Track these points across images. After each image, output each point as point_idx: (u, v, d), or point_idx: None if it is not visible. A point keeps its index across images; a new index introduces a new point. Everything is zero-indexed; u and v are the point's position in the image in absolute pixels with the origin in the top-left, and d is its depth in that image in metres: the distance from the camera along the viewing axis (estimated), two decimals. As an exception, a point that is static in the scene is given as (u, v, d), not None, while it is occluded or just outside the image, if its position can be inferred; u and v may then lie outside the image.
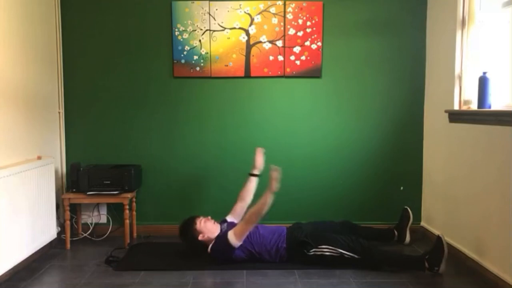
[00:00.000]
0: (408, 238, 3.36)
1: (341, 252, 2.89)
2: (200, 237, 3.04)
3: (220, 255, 2.98)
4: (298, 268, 2.92)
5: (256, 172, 3.30)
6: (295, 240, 2.98)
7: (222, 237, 2.97)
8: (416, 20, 3.65)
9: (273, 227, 3.11)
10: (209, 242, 3.02)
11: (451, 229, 3.25)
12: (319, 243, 2.93)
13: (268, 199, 2.86)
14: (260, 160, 3.31)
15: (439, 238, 2.86)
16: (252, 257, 2.98)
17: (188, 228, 3.07)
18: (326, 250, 2.91)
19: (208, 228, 3.06)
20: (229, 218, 3.25)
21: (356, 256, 2.88)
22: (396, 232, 3.38)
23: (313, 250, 2.93)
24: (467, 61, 3.12)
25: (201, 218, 3.11)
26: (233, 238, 2.91)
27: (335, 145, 3.71)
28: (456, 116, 3.17)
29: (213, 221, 3.13)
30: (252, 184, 3.29)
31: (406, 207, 3.39)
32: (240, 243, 2.93)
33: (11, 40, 2.94)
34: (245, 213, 3.07)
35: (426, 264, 2.84)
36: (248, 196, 3.26)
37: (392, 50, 3.66)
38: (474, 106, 3.09)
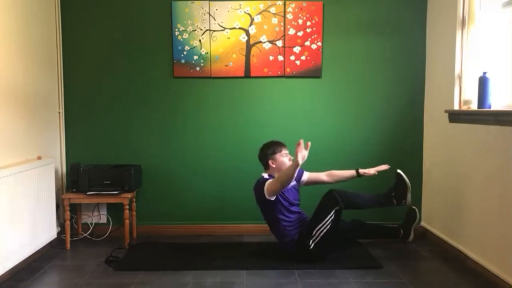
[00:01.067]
0: (412, 236, 3.40)
1: (328, 219, 2.92)
2: (270, 162, 3.10)
3: (256, 193, 3.05)
4: (298, 268, 2.92)
5: (360, 171, 3.26)
6: (301, 235, 3.01)
7: (263, 180, 3.02)
8: (416, 20, 3.66)
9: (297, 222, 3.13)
10: (269, 171, 3.11)
11: (451, 229, 3.25)
12: (311, 231, 2.95)
13: (293, 171, 2.82)
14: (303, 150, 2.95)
15: (398, 174, 3.13)
16: (275, 224, 3.03)
17: (270, 147, 3.12)
18: (319, 230, 2.93)
19: (282, 162, 3.09)
20: (309, 173, 3.27)
21: (336, 207, 2.93)
22: (402, 231, 3.39)
23: (312, 241, 2.94)
24: (467, 61, 3.12)
25: (287, 151, 3.13)
26: (266, 187, 2.96)
27: (335, 144, 3.71)
28: (456, 116, 3.17)
29: (290, 162, 3.11)
30: (347, 175, 3.30)
31: (414, 207, 3.41)
32: (270, 198, 2.96)
33: (11, 40, 2.95)
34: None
35: (394, 201, 3.09)
36: (333, 179, 3.30)
37: (392, 50, 3.66)
38: (474, 106, 3.09)
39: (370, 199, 3.16)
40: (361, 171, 3.21)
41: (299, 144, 2.82)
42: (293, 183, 3.13)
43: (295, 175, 2.90)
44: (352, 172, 3.26)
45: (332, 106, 3.69)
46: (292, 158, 3.04)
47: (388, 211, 3.66)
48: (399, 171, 3.17)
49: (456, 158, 3.18)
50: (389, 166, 3.24)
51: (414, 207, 3.41)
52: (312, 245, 2.94)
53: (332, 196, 2.96)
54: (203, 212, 3.74)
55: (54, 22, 3.54)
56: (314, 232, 2.94)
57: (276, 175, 3.08)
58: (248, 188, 3.19)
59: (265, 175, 3.11)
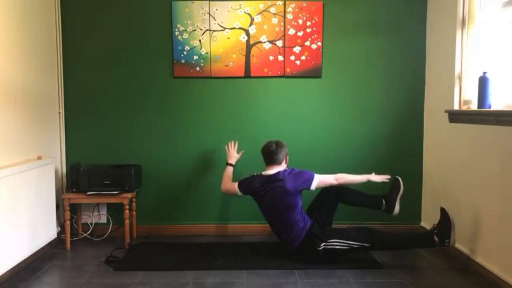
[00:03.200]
0: (397, 209, 3.21)
1: (351, 244, 2.93)
2: (286, 159, 3.23)
3: (296, 185, 3.06)
4: (298, 268, 2.93)
5: (231, 162, 3.45)
6: (309, 232, 3.00)
7: (308, 173, 3.12)
8: (416, 20, 3.66)
9: (305, 217, 3.13)
10: (282, 166, 3.19)
11: (451, 229, 3.25)
12: (328, 238, 2.95)
13: (363, 180, 3.18)
14: (232, 151, 3.48)
15: (443, 210, 2.91)
16: (293, 221, 3.04)
17: (286, 147, 3.23)
18: (336, 244, 2.94)
19: (286, 161, 3.26)
20: (319, 179, 3.20)
21: (366, 244, 2.93)
22: (384, 202, 3.24)
23: (323, 244, 2.94)
24: (467, 61, 3.12)
25: None
26: (317, 180, 3.09)
27: (335, 144, 3.71)
28: (456, 116, 3.17)
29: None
30: (229, 172, 3.42)
31: (397, 176, 3.26)
32: (314, 188, 3.10)
33: (11, 40, 2.95)
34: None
35: (436, 239, 2.88)
36: (343, 183, 3.26)
37: (392, 50, 3.66)
38: (474, 106, 3.09)
39: (406, 240, 3.05)
40: (373, 178, 3.20)
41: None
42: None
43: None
44: (363, 178, 3.21)
45: (332, 106, 3.69)
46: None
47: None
48: (443, 206, 2.97)
49: (456, 158, 3.18)
50: (389, 176, 3.24)
51: (397, 177, 3.24)
52: (321, 248, 2.95)
53: (371, 235, 2.94)
54: (203, 212, 3.74)
55: (54, 23, 3.54)
56: (331, 240, 2.95)
57: (283, 165, 3.21)
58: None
59: (277, 169, 3.16)
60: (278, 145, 3.20)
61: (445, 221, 2.88)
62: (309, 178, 3.10)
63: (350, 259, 3.06)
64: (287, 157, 3.25)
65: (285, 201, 3.04)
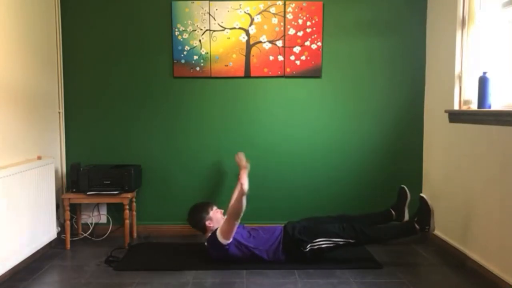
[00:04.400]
0: (406, 217, 3.26)
1: (336, 241, 2.94)
2: (207, 223, 3.11)
3: (215, 252, 2.99)
4: (298, 268, 2.92)
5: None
6: (290, 239, 2.99)
7: (213, 235, 2.99)
8: (416, 20, 3.66)
9: (271, 227, 3.11)
10: (209, 232, 3.09)
11: (451, 229, 3.25)
12: (313, 238, 2.95)
13: (241, 202, 2.84)
14: (242, 163, 3.32)
15: (422, 198, 2.98)
16: (250, 255, 2.97)
17: (202, 210, 3.15)
18: (321, 242, 2.94)
19: (217, 219, 3.14)
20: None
21: (351, 240, 2.94)
22: (393, 212, 3.29)
23: (309, 245, 2.94)
24: (467, 61, 3.12)
25: (216, 207, 3.21)
26: (220, 236, 2.94)
27: (335, 144, 3.71)
28: (456, 116, 3.17)
29: (223, 216, 3.17)
30: (235, 193, 3.32)
31: (403, 186, 3.30)
32: (229, 241, 2.93)
33: (11, 40, 2.95)
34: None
35: (417, 226, 2.95)
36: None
37: (392, 50, 3.66)
38: (474, 106, 3.09)
39: (390, 232, 3.07)
40: (242, 191, 2.89)
41: (241, 166, 3.06)
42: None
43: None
44: (239, 194, 2.94)
45: (332, 106, 3.69)
46: (223, 211, 3.18)
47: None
48: (422, 194, 3.04)
49: (456, 158, 3.18)
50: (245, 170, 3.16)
51: (403, 186, 3.30)
52: (308, 249, 2.95)
53: (355, 230, 2.95)
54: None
55: (54, 22, 3.54)
56: (316, 240, 2.94)
57: (214, 227, 3.07)
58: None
59: (208, 235, 3.08)
60: (190, 215, 3.17)
61: (424, 209, 2.96)
62: (215, 238, 2.95)
63: (350, 259, 3.06)
64: (210, 214, 3.13)
65: (228, 260, 2.98)
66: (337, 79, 3.68)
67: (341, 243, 2.94)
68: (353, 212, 3.47)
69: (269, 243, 3.00)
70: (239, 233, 3.02)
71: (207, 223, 3.12)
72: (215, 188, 3.71)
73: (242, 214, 2.89)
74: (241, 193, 2.85)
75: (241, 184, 2.90)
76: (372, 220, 3.28)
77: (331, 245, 2.94)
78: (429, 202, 2.96)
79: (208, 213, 3.15)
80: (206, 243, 3.07)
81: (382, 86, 3.69)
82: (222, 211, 3.23)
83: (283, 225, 3.14)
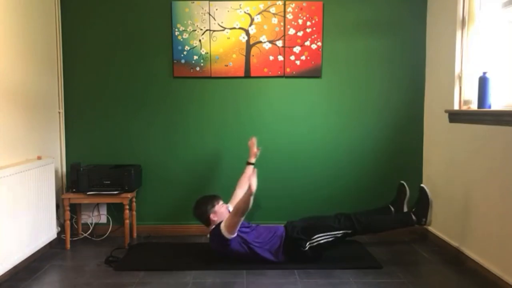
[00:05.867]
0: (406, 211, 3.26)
1: (334, 234, 2.94)
2: (211, 216, 3.08)
3: (217, 246, 2.99)
4: (298, 268, 2.92)
5: (252, 160, 3.39)
6: (289, 240, 2.99)
7: (217, 227, 2.98)
8: (416, 20, 3.66)
9: (272, 227, 3.11)
10: (213, 225, 3.07)
11: (451, 229, 3.25)
12: (311, 235, 2.95)
13: (249, 201, 2.82)
14: (253, 148, 3.40)
15: (422, 189, 2.97)
16: (251, 253, 2.96)
17: (208, 202, 3.12)
18: (320, 238, 2.94)
19: (222, 213, 3.10)
20: (230, 207, 3.23)
21: (348, 231, 2.95)
22: (392, 208, 3.31)
23: (308, 243, 2.94)
24: (467, 61, 3.12)
25: (222, 201, 3.18)
26: (224, 229, 2.92)
27: (335, 144, 3.71)
28: (456, 116, 3.17)
29: (228, 211, 3.14)
30: (249, 171, 3.33)
31: (402, 182, 3.32)
32: (233, 235, 2.92)
33: (11, 40, 2.95)
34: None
35: (414, 217, 2.96)
36: (246, 183, 3.20)
37: (392, 50, 3.66)
38: (474, 106, 3.09)
39: (386, 221, 3.11)
40: (252, 182, 2.84)
41: (251, 152, 3.19)
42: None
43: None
44: (247, 167, 3.16)
45: (332, 106, 3.69)
46: (229, 205, 3.19)
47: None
48: (422, 185, 3.06)
49: (456, 158, 3.18)
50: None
51: (402, 182, 3.31)
52: (307, 248, 2.95)
53: (350, 219, 2.97)
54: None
55: (54, 22, 3.54)
56: (314, 237, 2.94)
57: (218, 220, 3.04)
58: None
59: (211, 228, 3.07)
60: (195, 207, 3.15)
61: (424, 201, 2.95)
62: (218, 231, 2.92)
63: (350, 259, 3.06)
64: (215, 208, 3.09)
65: (228, 255, 2.98)
66: (337, 79, 3.68)
67: (339, 235, 2.95)
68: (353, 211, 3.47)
69: (272, 243, 3.00)
70: (244, 231, 3.01)
71: (211, 216, 3.09)
72: (215, 188, 3.70)
73: (247, 212, 2.87)
74: (249, 192, 2.83)
75: (250, 185, 2.85)
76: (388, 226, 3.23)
77: (330, 238, 2.94)
78: (429, 193, 2.96)
79: (213, 206, 3.12)
80: (208, 235, 3.06)
81: (382, 86, 3.69)
82: (228, 205, 3.22)
83: (283, 225, 3.14)
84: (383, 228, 3.13)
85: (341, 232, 2.95)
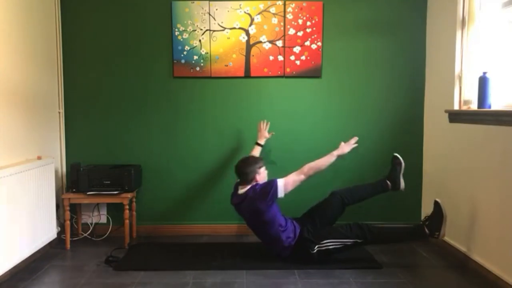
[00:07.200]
0: (402, 185, 3.20)
1: (343, 242, 2.94)
2: (256, 176, 3.09)
3: (255, 204, 2.95)
4: (298, 268, 2.92)
5: (261, 142, 3.43)
6: (300, 238, 2.99)
7: (271, 182, 2.98)
8: (416, 20, 3.66)
9: (294, 222, 3.11)
10: (251, 183, 3.07)
11: (451, 229, 3.25)
12: (321, 239, 2.95)
13: (331, 160, 3.04)
14: (263, 130, 3.44)
15: (436, 203, 2.93)
16: (275, 232, 2.97)
17: (257, 161, 3.15)
18: (329, 243, 2.94)
19: (263, 177, 3.14)
20: (284, 180, 3.12)
21: (358, 240, 2.94)
22: (389, 182, 3.23)
23: (317, 246, 2.95)
24: (467, 61, 3.12)
25: (264, 166, 3.20)
26: (282, 184, 2.93)
27: (335, 144, 3.68)
28: (456, 116, 3.17)
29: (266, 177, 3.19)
30: (256, 153, 3.38)
31: (395, 154, 3.27)
32: (285, 193, 2.95)
33: (11, 40, 2.95)
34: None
35: (427, 231, 2.91)
36: (313, 173, 3.15)
37: (392, 50, 3.66)
38: (474, 106, 3.09)
39: (398, 233, 3.08)
40: (340, 151, 3.12)
41: (261, 134, 3.35)
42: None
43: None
44: (331, 158, 3.09)
45: (332, 106, 3.69)
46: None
47: (386, 210, 3.68)
48: (437, 199, 2.98)
49: (456, 158, 3.18)
50: (357, 138, 3.23)
51: (396, 154, 3.26)
52: (316, 251, 2.95)
53: (362, 228, 2.95)
54: (203, 212, 3.74)
55: (54, 22, 3.54)
56: (323, 242, 2.94)
57: (258, 182, 3.07)
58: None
59: (247, 187, 3.07)
60: (245, 162, 3.14)
61: (438, 214, 2.92)
62: (273, 186, 2.95)
63: (350, 259, 3.06)
64: (261, 169, 3.12)
65: (259, 220, 3.01)
66: (337, 79, 3.68)
67: (349, 243, 2.94)
68: (354, 212, 3.47)
69: (291, 238, 3.00)
70: (280, 216, 3.02)
71: (256, 175, 3.09)
72: (215, 188, 3.71)
73: (315, 174, 2.96)
74: (335, 154, 3.00)
75: (342, 148, 3.06)
76: (367, 193, 3.23)
77: (339, 246, 2.94)
78: (443, 208, 2.90)
79: (260, 167, 3.13)
80: (245, 192, 3.03)
81: (382, 86, 3.69)
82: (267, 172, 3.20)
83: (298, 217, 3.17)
84: (396, 240, 3.12)
85: (351, 240, 2.93)
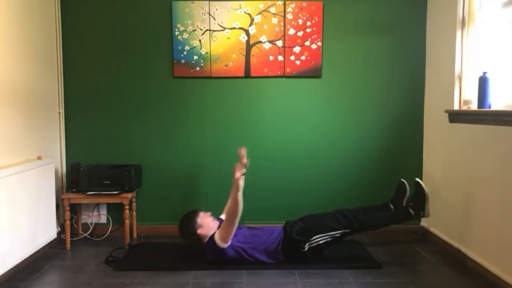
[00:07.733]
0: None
1: (333, 235, 2.95)
2: (199, 231, 3.02)
3: (212, 255, 2.99)
4: (298, 268, 2.92)
5: (243, 171, 3.29)
6: (288, 241, 2.98)
7: (211, 240, 2.98)
8: (416, 20, 3.66)
9: (270, 228, 3.11)
10: (205, 238, 3.04)
11: (451, 229, 3.25)
12: (310, 236, 2.95)
13: (238, 201, 2.84)
14: (243, 159, 3.25)
15: (417, 184, 3.02)
16: (247, 257, 2.96)
17: (190, 219, 3.06)
18: (319, 239, 2.95)
19: (207, 223, 3.06)
20: (223, 217, 3.23)
21: (346, 230, 2.96)
22: (392, 206, 3.29)
23: (307, 244, 2.95)
24: (467, 61, 3.12)
25: (202, 212, 3.12)
26: (219, 240, 2.92)
27: (335, 144, 3.71)
28: (456, 116, 3.17)
29: (212, 217, 3.13)
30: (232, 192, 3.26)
31: (402, 180, 3.31)
32: (227, 244, 2.92)
33: (11, 40, 2.95)
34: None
35: (412, 211, 3.01)
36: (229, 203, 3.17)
37: (392, 50, 3.66)
38: (474, 106, 3.09)
39: (385, 218, 3.12)
40: (237, 177, 2.93)
41: (240, 162, 3.03)
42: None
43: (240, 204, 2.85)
44: (236, 188, 2.91)
45: (332, 106, 3.69)
46: (210, 213, 3.12)
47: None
48: (417, 179, 3.09)
49: (456, 158, 3.18)
50: (245, 149, 3.12)
51: (403, 180, 3.30)
52: (307, 249, 2.95)
53: (348, 218, 2.97)
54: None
55: (54, 22, 3.54)
56: (313, 238, 2.95)
57: (207, 232, 3.01)
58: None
59: (205, 241, 3.03)
60: (183, 229, 3.07)
61: (420, 194, 3.01)
62: (213, 243, 2.92)
63: (350, 259, 3.07)
64: (200, 221, 3.02)
65: (227, 262, 2.96)
66: (337, 79, 3.68)
67: (337, 235, 2.96)
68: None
69: (267, 244, 2.99)
70: (236, 236, 2.98)
71: (199, 231, 3.01)
72: (215, 188, 3.71)
73: (239, 215, 2.87)
74: (236, 189, 2.81)
75: (236, 180, 2.82)
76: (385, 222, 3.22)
77: (329, 239, 2.95)
78: (425, 187, 3.01)
79: (196, 221, 3.02)
80: (205, 247, 3.03)
81: (382, 86, 3.69)
82: (210, 213, 3.15)
83: (282, 225, 3.13)
84: (382, 223, 3.13)
85: (339, 232, 2.96)
